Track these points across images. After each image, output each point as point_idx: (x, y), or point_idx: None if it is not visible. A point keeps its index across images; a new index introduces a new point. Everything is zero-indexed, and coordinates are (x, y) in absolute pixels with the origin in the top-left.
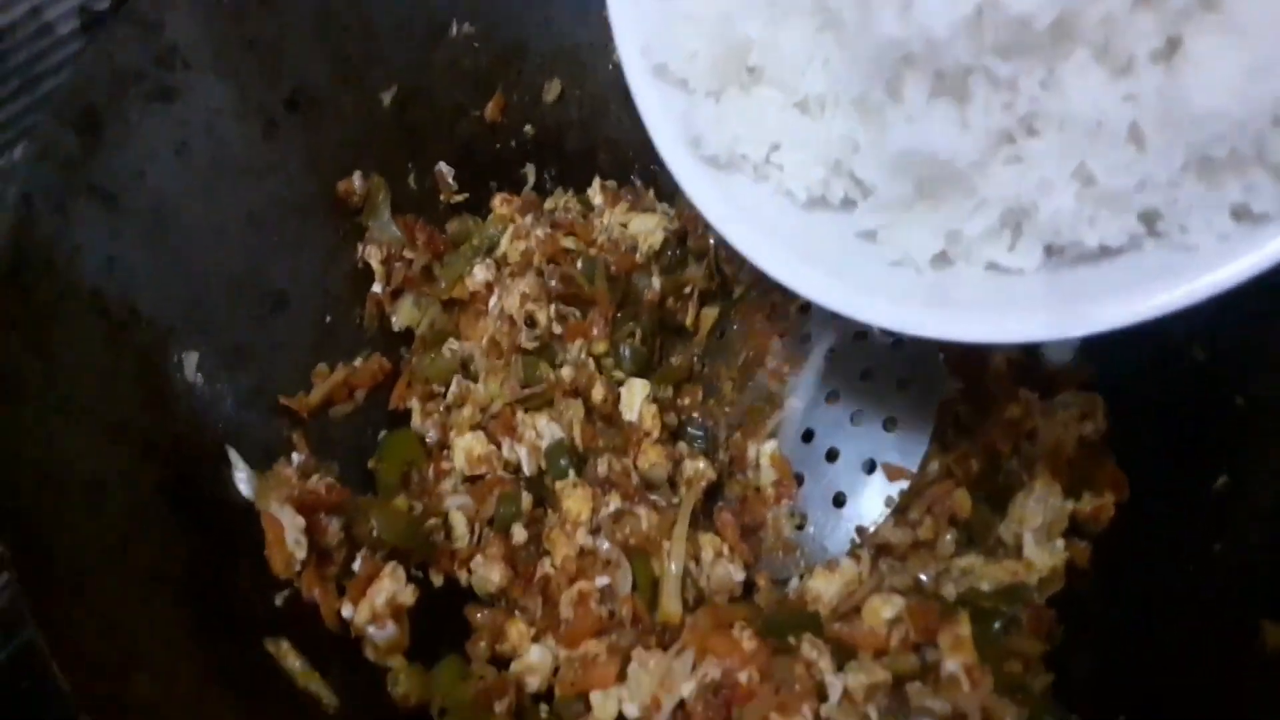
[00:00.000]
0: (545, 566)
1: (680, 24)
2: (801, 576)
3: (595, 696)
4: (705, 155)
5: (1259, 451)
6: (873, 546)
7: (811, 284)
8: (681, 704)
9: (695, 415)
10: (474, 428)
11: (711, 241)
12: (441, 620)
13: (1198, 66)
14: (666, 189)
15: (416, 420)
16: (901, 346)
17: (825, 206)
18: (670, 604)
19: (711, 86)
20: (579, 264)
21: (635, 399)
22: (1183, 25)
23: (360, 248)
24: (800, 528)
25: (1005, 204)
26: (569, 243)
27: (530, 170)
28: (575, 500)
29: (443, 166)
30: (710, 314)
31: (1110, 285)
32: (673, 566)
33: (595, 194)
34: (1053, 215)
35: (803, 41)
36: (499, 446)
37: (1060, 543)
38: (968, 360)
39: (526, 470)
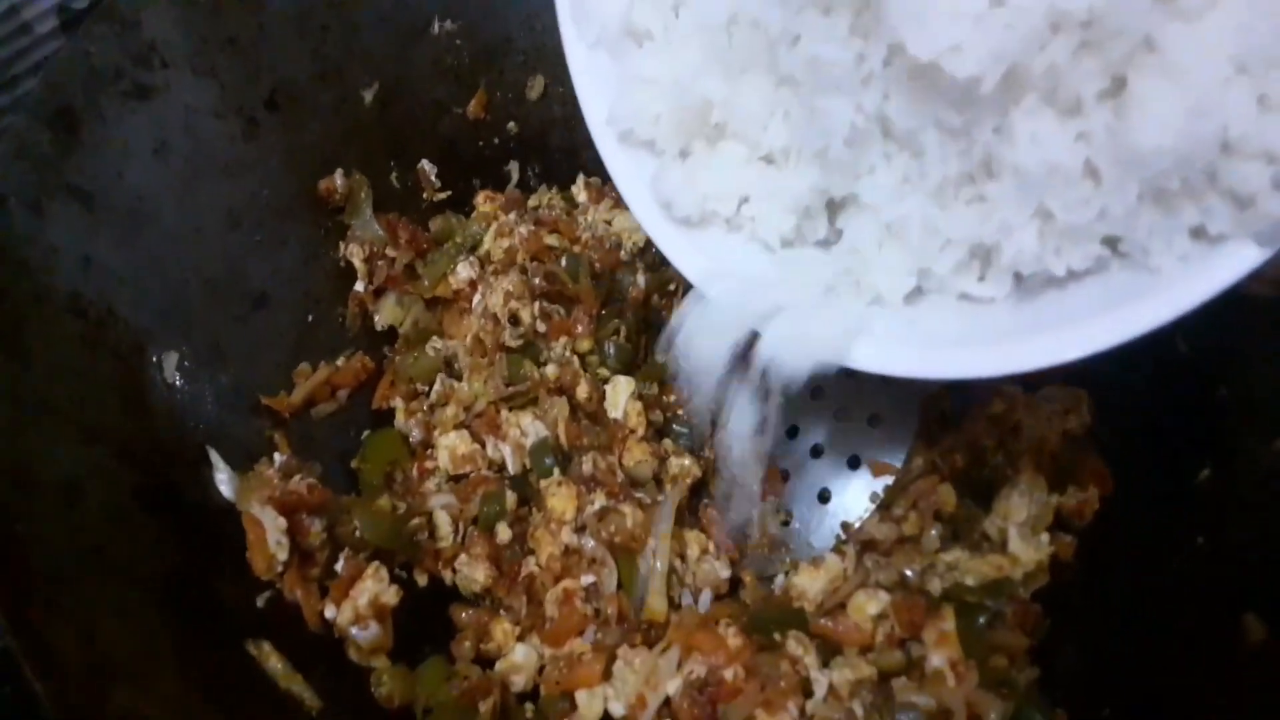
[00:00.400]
0: (530, 565)
1: (641, 88)
2: (787, 573)
3: (581, 695)
4: (677, 218)
5: (1242, 444)
6: (858, 542)
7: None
8: (667, 701)
9: (680, 412)
10: (458, 426)
11: None
12: (425, 620)
13: (1142, 106)
14: None
15: (400, 419)
16: None
17: (799, 252)
18: (655, 601)
19: (678, 146)
20: (563, 261)
21: (620, 396)
22: (1126, 66)
23: (342, 246)
24: (785, 524)
25: (970, 242)
26: (553, 240)
27: (514, 167)
28: (560, 498)
29: (425, 164)
30: None
31: (1079, 312)
32: (658, 564)
33: (579, 191)
34: (1017, 253)
35: (762, 97)
36: (483, 445)
37: (1045, 537)
38: None
39: (511, 469)
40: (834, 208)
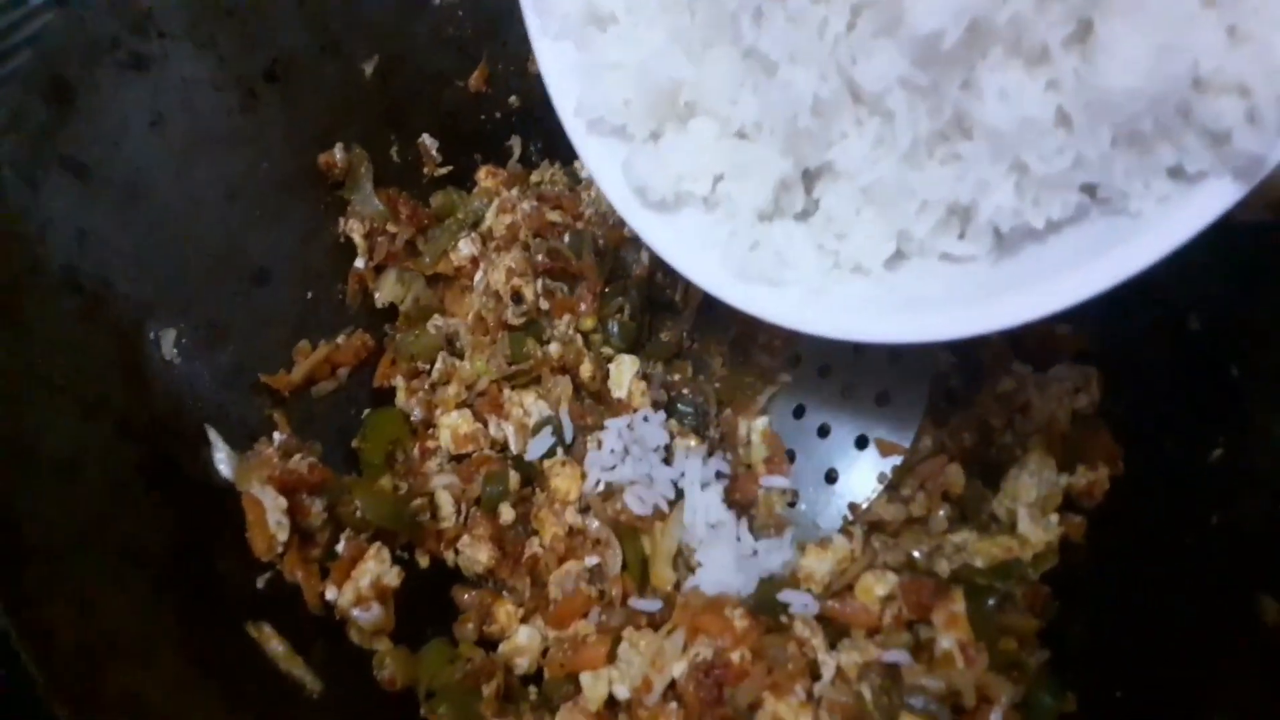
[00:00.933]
0: (534, 546)
1: (608, 74)
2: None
3: (585, 678)
4: (653, 201)
5: (1255, 422)
6: (865, 523)
7: (775, 310)
8: (673, 684)
9: (685, 391)
10: (460, 406)
11: None
12: (428, 602)
13: (1110, 48)
14: None
15: (401, 398)
16: None
17: (777, 226)
18: (663, 571)
19: (649, 129)
20: (566, 238)
21: (624, 375)
22: (1091, 10)
23: (342, 222)
24: (792, 504)
25: (947, 201)
26: (555, 216)
27: (516, 142)
28: (564, 479)
29: (426, 138)
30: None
31: (1063, 263)
32: (667, 542)
33: (582, 167)
34: (995, 208)
35: (729, 71)
36: (486, 425)
37: (1054, 518)
38: None
39: (514, 448)
40: (810, 178)
